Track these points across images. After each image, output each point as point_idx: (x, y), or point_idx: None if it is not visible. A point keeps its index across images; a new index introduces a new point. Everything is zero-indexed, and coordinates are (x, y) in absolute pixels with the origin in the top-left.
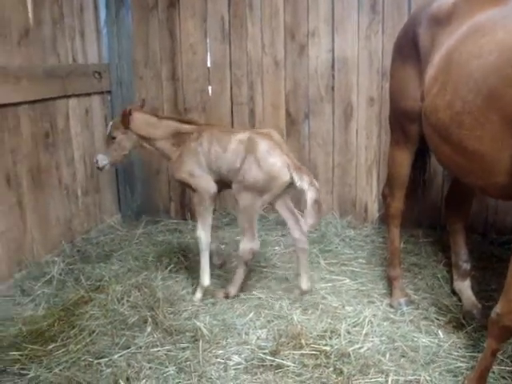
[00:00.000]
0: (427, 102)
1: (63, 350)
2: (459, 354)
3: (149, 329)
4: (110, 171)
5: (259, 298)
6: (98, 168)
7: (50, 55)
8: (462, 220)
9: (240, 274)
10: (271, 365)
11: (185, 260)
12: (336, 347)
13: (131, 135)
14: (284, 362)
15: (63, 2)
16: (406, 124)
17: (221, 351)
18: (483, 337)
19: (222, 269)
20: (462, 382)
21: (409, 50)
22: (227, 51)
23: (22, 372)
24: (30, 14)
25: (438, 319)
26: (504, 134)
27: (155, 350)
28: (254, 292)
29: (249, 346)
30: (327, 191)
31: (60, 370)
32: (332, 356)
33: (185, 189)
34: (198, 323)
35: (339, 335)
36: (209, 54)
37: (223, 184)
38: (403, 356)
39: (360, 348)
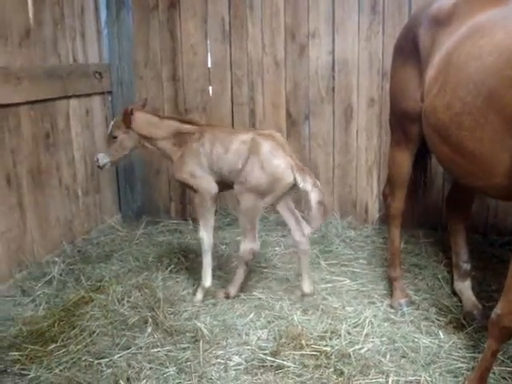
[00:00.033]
0: (427, 102)
1: (63, 350)
2: (460, 355)
3: (149, 329)
4: (111, 171)
5: (259, 298)
6: (99, 167)
7: (51, 56)
8: (463, 221)
9: (240, 274)
10: (271, 365)
11: (185, 260)
12: (336, 348)
13: (132, 135)
14: (284, 362)
15: (64, 3)
16: (406, 125)
17: (221, 352)
18: (484, 337)
19: (222, 270)
20: (463, 382)
21: (409, 50)
22: (228, 52)
23: (22, 372)
24: (31, 15)
25: (438, 320)
26: (504, 135)
27: (155, 350)
28: (254, 292)
29: (249, 347)
30: (328, 192)
31: (60, 371)
32: (332, 357)
33: (185, 189)
34: (199, 324)
35: (340, 336)
36: (209, 54)
37: (224, 185)
38: (404, 357)
39: (360, 349)
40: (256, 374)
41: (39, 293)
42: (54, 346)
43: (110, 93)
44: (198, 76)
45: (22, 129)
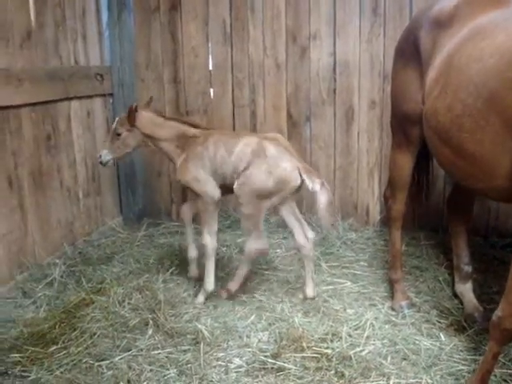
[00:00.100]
0: (428, 104)
1: (64, 352)
2: (461, 357)
3: (150, 331)
4: (112, 174)
5: (260, 300)
6: (101, 163)
7: (52, 57)
8: (464, 223)
9: (242, 272)
10: (272, 368)
11: (186, 262)
12: (337, 350)
13: (136, 133)
14: (285, 364)
15: (65, 5)
16: (407, 127)
17: (222, 354)
18: (485, 340)
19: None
20: None
21: (410, 52)
22: (229, 54)
23: (23, 374)
24: (32, 17)
25: (439, 322)
26: (504, 137)
27: (156, 352)
28: (255, 295)
29: (250, 349)
30: None
31: (61, 373)
32: (333, 359)
33: (186, 191)
34: (200, 326)
35: (341, 338)
36: (210, 56)
37: (227, 189)
38: (405, 359)
39: (361, 351)
40: (257, 377)
41: (40, 294)
42: (54, 347)
43: (111, 95)
44: (199, 78)
45: (23, 131)
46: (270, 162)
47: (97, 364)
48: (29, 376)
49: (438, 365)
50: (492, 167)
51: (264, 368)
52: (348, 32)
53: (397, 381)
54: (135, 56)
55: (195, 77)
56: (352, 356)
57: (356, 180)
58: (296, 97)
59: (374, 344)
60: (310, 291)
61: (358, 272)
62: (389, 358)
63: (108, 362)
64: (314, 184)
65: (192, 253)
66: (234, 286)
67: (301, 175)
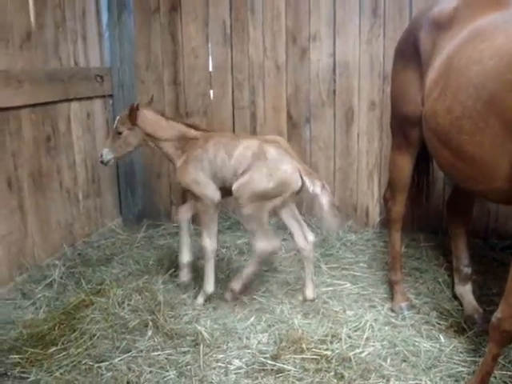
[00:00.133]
0: (427, 106)
1: (64, 353)
2: (460, 359)
3: (149, 333)
4: (112, 175)
5: (260, 302)
6: (102, 162)
7: (52, 59)
8: (464, 225)
9: (249, 271)
10: (272, 369)
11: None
12: (337, 352)
13: (137, 132)
14: (285, 366)
15: (65, 6)
16: (407, 128)
17: (221, 355)
18: (484, 341)
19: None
20: None
21: (410, 54)
22: (229, 55)
23: (22, 375)
24: (32, 18)
25: (439, 324)
26: (504, 139)
27: (156, 353)
28: (255, 296)
29: (250, 351)
30: None
31: (61, 374)
32: (333, 360)
33: (186, 193)
34: (199, 327)
35: (340, 340)
36: (210, 57)
37: (226, 191)
38: (404, 361)
39: (361, 353)
40: (256, 378)
41: (40, 296)
42: (54, 349)
43: (111, 96)
44: (199, 79)
45: (23, 132)
46: (270, 165)
47: (96, 365)
48: (28, 377)
49: (437, 366)
50: (491, 169)
51: (263, 369)
52: (348, 33)
53: (396, 382)
54: (135, 57)
55: (195, 78)
56: (352, 358)
57: (356, 181)
58: (296, 98)
59: (373, 345)
60: (309, 293)
61: (358, 273)
62: (388, 360)
63: (107, 363)
64: (314, 186)
65: (184, 257)
66: (236, 285)
67: (301, 177)
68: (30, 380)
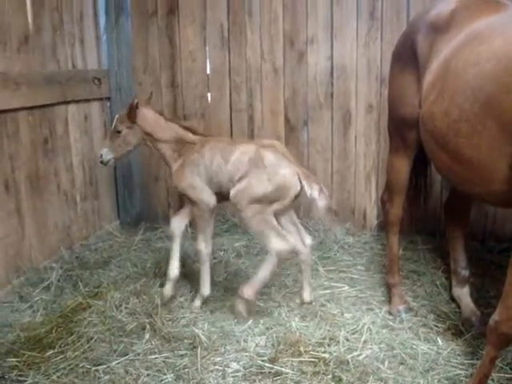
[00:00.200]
0: (424, 109)
1: (61, 356)
2: (458, 362)
3: (147, 336)
4: (109, 177)
5: (258, 305)
6: (102, 162)
7: (50, 61)
8: (461, 227)
9: (262, 275)
10: (270, 372)
11: (183, 267)
12: (335, 354)
13: (137, 130)
14: (283, 369)
15: (63, 9)
16: (404, 131)
17: (219, 358)
18: (482, 344)
19: (220, 276)
20: None
21: (407, 57)
22: (226, 58)
23: (19, 379)
24: (30, 21)
25: (436, 326)
26: (501, 142)
27: (153, 357)
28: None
29: (247, 353)
30: None
31: (58, 377)
32: (331, 363)
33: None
34: (197, 330)
35: (338, 342)
36: (208, 60)
37: (221, 196)
38: (402, 363)
39: (359, 355)
40: (254, 381)
41: (37, 299)
42: (51, 352)
43: (108, 99)
44: (196, 82)
45: (21, 134)
46: (268, 170)
47: (94, 368)
48: (25, 380)
49: (435, 369)
50: (489, 172)
51: (261, 372)
52: (345, 36)
53: None
54: (133, 60)
55: (193, 81)
56: (349, 360)
57: (353, 184)
58: (293, 101)
59: (371, 348)
60: (307, 296)
61: (356, 276)
62: (386, 363)
63: (105, 366)
64: (312, 190)
65: (173, 271)
66: (248, 290)
67: (300, 181)
68: (27, 383)
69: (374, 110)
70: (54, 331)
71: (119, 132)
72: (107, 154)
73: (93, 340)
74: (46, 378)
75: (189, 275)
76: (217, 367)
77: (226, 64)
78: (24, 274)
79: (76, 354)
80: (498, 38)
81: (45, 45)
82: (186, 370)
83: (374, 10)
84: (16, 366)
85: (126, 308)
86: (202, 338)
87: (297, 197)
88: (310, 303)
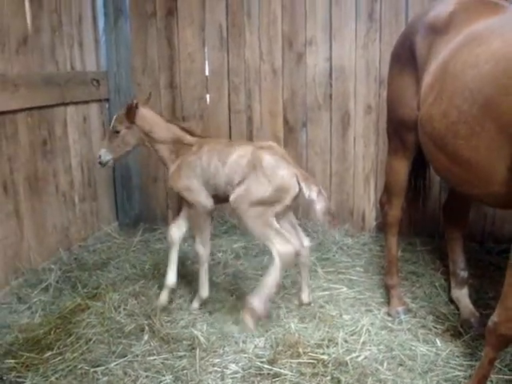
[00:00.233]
0: (423, 110)
1: (59, 358)
2: (457, 363)
3: (146, 337)
4: (108, 179)
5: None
6: (101, 163)
7: (49, 63)
8: (460, 229)
9: (268, 282)
10: (269, 373)
11: (182, 268)
12: (333, 356)
13: (136, 130)
14: (281, 370)
15: (62, 11)
16: (403, 132)
17: (218, 360)
18: (481, 345)
19: (218, 277)
20: None
21: (406, 58)
22: (225, 59)
23: (18, 380)
24: (29, 22)
25: (435, 328)
26: (500, 143)
27: (152, 358)
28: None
29: (246, 355)
30: None
31: (56, 379)
32: (329, 365)
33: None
34: (196, 332)
35: (337, 344)
36: (207, 62)
37: (219, 198)
38: (401, 365)
39: (357, 357)
40: (253, 383)
41: (35, 300)
42: (50, 353)
43: (107, 100)
44: (195, 83)
45: (19, 136)
46: (267, 172)
47: (92, 370)
48: (24, 382)
49: (434, 370)
50: (487, 173)
51: (260, 374)
52: (344, 37)
53: None
54: (132, 61)
55: (191, 82)
56: (348, 362)
57: (352, 186)
58: (292, 102)
59: (370, 350)
60: (305, 297)
61: (354, 278)
62: (385, 364)
63: (103, 368)
64: (310, 192)
65: (170, 280)
66: (257, 301)
67: (299, 182)
68: None
69: (373, 111)
70: (52, 332)
71: (117, 132)
72: (106, 155)
73: (91, 341)
74: (45, 380)
75: (187, 276)
76: (215, 368)
77: (225, 65)
78: (22, 275)
79: (74, 355)
80: (496, 40)
81: (43, 46)
82: (185, 371)
83: (372, 12)
84: (14, 367)
85: (124, 309)
86: (201, 339)
87: (295, 198)
88: (309, 304)
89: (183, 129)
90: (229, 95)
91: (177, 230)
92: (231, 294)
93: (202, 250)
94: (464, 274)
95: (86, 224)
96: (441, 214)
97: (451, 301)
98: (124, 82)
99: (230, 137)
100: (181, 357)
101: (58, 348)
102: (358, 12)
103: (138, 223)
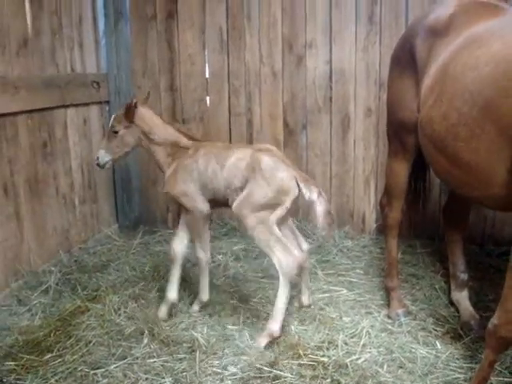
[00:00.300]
0: (423, 113)
1: (59, 360)
2: (457, 365)
3: (145, 340)
4: (108, 181)
5: (256, 308)
6: (99, 165)
7: (49, 65)
8: (460, 231)
9: (281, 302)
10: (269, 376)
11: (182, 270)
12: (334, 358)
13: (135, 130)
14: (281, 372)
15: (62, 13)
16: (403, 135)
17: (217, 362)
18: (481, 348)
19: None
20: None
21: (406, 61)
22: (225, 62)
23: (18, 382)
24: (29, 24)
25: (435, 330)
26: (500, 146)
27: (152, 360)
28: (251, 302)
29: (246, 357)
30: None
31: (56, 381)
32: (330, 367)
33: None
34: (195, 334)
35: (337, 346)
36: (207, 64)
37: (216, 202)
38: (401, 367)
39: (357, 359)
40: None
41: (35, 302)
42: (49, 355)
43: (107, 102)
44: (195, 86)
45: (20, 138)
46: (266, 175)
47: (92, 372)
48: None
49: (434, 373)
50: (487, 176)
51: (260, 376)
52: (344, 40)
53: None
54: (132, 64)
55: (192, 85)
56: (348, 364)
57: (352, 188)
58: (292, 105)
59: (370, 352)
60: (305, 299)
61: (354, 280)
62: (385, 366)
63: (103, 370)
64: (310, 193)
65: (172, 295)
66: (275, 325)
67: (298, 184)
68: None
69: (373, 113)
70: (52, 335)
71: (116, 132)
72: (104, 157)
73: (91, 344)
74: (44, 382)
75: (187, 279)
76: (215, 370)
77: (225, 68)
78: (22, 277)
79: (74, 357)
80: (496, 42)
81: (44, 48)
82: (185, 373)
83: (372, 15)
84: (14, 369)
85: (124, 312)
86: (201, 341)
87: (295, 201)
88: (309, 307)
89: (181, 131)
90: (229, 98)
91: (179, 244)
92: (231, 296)
93: (203, 254)
94: (464, 276)
95: (86, 226)
96: (441, 217)
97: (451, 303)
98: (124, 84)
99: (230, 139)
100: (181, 359)
101: (58, 350)
102: (358, 15)
103: (137, 225)
